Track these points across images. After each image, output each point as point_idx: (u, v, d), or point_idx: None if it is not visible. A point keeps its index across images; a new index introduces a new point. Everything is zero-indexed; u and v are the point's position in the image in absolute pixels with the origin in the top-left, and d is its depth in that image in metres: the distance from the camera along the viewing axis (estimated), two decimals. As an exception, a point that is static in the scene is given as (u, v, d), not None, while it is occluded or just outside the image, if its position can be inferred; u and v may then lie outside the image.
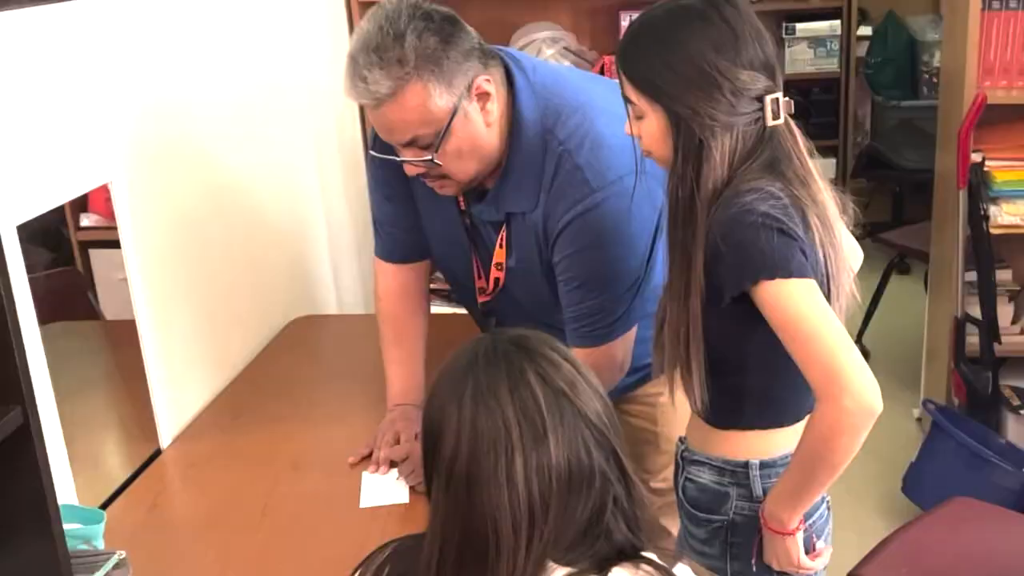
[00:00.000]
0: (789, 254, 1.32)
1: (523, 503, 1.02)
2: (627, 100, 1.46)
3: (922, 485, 2.84)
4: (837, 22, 4.77)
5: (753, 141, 1.41)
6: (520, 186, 1.70)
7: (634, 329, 1.75)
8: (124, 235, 1.85)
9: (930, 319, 3.36)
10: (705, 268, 1.38)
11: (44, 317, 1.63)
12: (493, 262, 1.81)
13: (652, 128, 1.44)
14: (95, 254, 1.90)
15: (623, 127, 1.49)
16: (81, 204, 1.82)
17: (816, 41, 4.82)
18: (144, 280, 1.90)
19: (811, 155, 1.45)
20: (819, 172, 1.45)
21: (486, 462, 1.02)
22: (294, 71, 2.63)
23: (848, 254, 1.51)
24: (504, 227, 1.76)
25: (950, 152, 2.96)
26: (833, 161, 4.91)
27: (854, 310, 1.54)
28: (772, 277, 1.32)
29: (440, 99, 1.58)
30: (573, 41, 3.25)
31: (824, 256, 1.40)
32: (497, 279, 1.83)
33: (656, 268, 1.70)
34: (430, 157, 1.62)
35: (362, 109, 2.96)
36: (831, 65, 4.81)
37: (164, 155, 1.99)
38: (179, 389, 2.01)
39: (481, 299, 1.89)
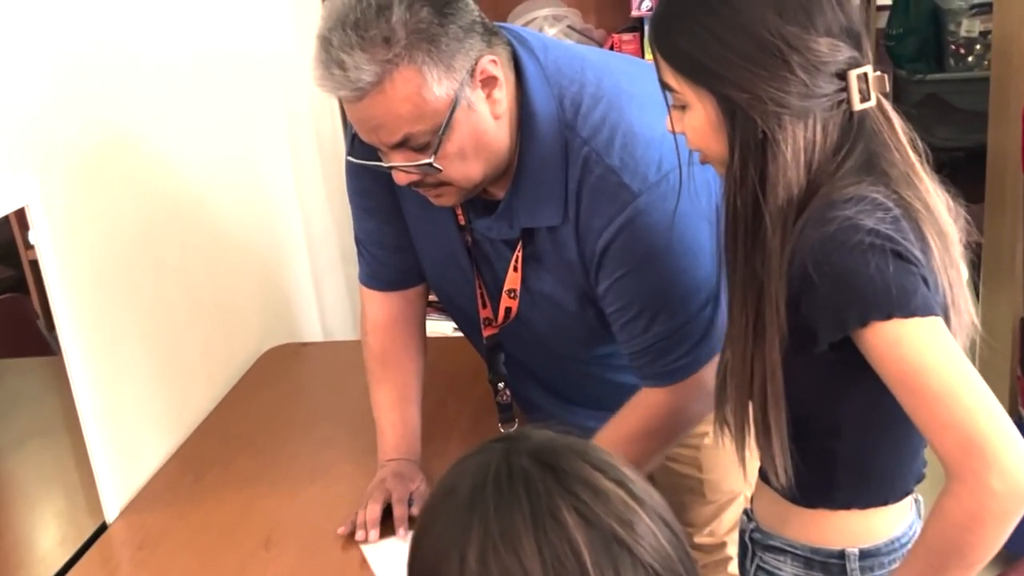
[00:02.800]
0: (910, 285, 1.01)
1: None
2: (666, 87, 1.16)
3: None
4: (857, -9, 4.49)
5: (839, 131, 1.10)
6: (538, 196, 1.41)
7: None
8: (47, 264, 1.54)
9: (985, 317, 3.04)
10: (789, 304, 1.06)
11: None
12: (504, 288, 1.52)
13: (699, 121, 1.13)
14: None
15: (661, 114, 1.21)
16: (26, 219, 1.53)
17: (835, 12, 4.52)
18: (76, 316, 1.59)
19: (913, 146, 1.13)
20: (925, 168, 1.13)
21: None
22: (259, 50, 2.32)
23: None
24: (520, 246, 1.47)
25: (1005, 129, 2.67)
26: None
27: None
28: (887, 317, 1.00)
29: (438, 86, 1.29)
30: (578, 19, 2.97)
31: (947, 282, 1.07)
32: (508, 309, 1.53)
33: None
34: (428, 161, 1.32)
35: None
36: (852, 37, 4.52)
37: (97, 162, 1.68)
38: (128, 447, 1.71)
39: (487, 332, 1.60)
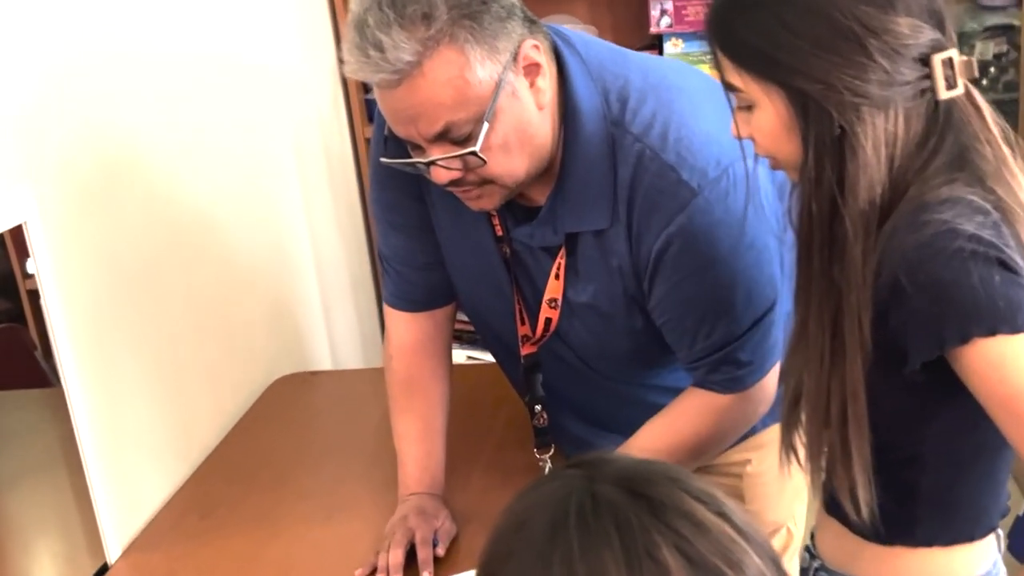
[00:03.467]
0: (1016, 298, 0.92)
1: None
2: (730, 88, 1.07)
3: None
4: (869, 14, 4.45)
5: (923, 123, 1.00)
6: (584, 198, 1.33)
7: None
8: (46, 289, 1.46)
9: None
10: (874, 319, 0.97)
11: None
12: (545, 298, 1.43)
13: (768, 121, 1.04)
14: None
15: (713, 108, 1.15)
16: (24, 247, 1.46)
17: (846, 35, 4.48)
18: (76, 344, 1.51)
19: (1005, 138, 1.04)
20: (1018, 162, 1.04)
21: None
22: (264, 60, 2.24)
23: None
24: (563, 252, 1.39)
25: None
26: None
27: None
28: (991, 333, 0.91)
29: (481, 68, 1.22)
30: (594, 35, 2.89)
31: None
32: (548, 320, 1.45)
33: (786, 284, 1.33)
34: (472, 149, 1.24)
35: (350, 106, 2.61)
36: (864, 61, 4.48)
37: (98, 180, 1.60)
38: (130, 483, 1.63)
39: (525, 350, 1.51)
